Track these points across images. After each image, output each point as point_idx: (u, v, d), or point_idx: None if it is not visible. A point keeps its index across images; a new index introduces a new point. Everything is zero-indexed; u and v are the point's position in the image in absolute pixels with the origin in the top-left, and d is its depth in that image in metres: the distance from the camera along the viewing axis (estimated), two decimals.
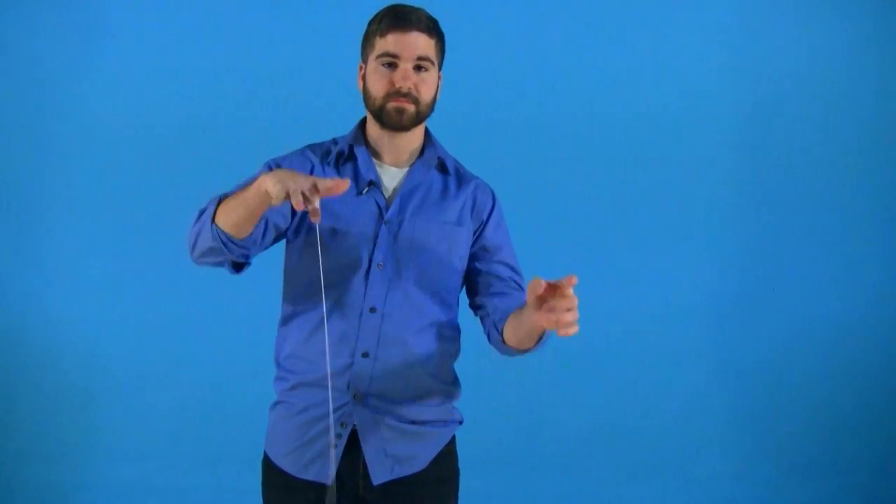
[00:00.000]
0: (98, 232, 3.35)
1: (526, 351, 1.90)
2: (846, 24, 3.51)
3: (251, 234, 1.76)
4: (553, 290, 1.59)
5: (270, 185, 1.60)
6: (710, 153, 3.47)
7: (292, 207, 1.84)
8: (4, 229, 3.35)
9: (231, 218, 1.72)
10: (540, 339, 1.84)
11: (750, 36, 3.49)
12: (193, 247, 1.81)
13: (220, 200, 1.76)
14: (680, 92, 3.46)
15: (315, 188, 1.56)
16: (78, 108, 3.35)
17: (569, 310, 1.55)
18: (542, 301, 1.59)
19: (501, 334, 1.92)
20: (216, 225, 1.74)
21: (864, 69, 3.50)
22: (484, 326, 2.01)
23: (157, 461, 3.32)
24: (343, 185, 1.57)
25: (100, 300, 3.34)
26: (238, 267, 1.87)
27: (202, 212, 1.79)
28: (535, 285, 1.59)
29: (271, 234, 1.87)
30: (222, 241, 1.75)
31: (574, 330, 1.56)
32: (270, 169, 1.87)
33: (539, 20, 3.39)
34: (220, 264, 1.85)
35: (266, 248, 1.89)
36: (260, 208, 1.69)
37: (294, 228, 1.91)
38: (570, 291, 1.56)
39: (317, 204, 1.56)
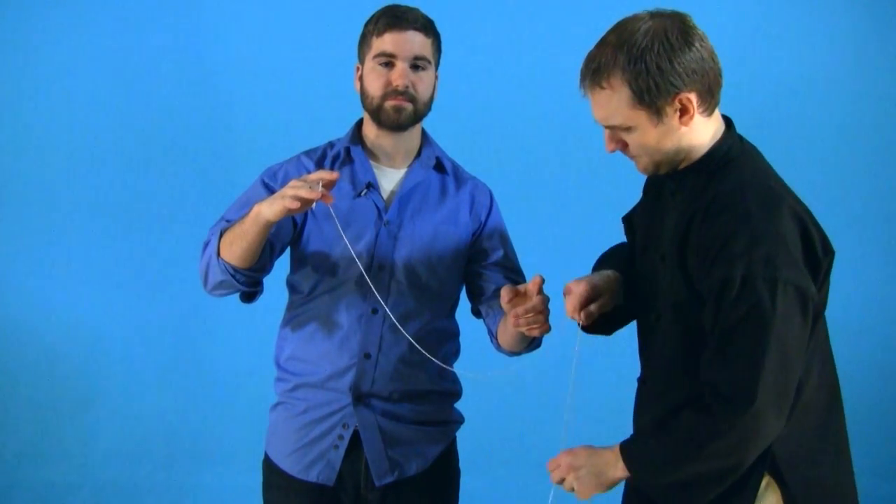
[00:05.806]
0: (98, 232, 3.35)
1: (521, 352, 1.91)
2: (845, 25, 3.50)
3: (258, 261, 1.79)
4: (524, 294, 1.61)
5: (266, 209, 1.65)
6: None
7: (293, 218, 1.87)
8: (4, 229, 3.35)
9: (235, 250, 1.75)
10: (533, 340, 1.84)
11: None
12: (205, 281, 1.84)
13: (222, 233, 1.79)
14: None
15: (306, 182, 1.62)
16: (77, 107, 3.34)
17: (538, 312, 1.57)
18: (515, 306, 1.62)
19: (497, 338, 1.92)
20: (222, 259, 1.76)
21: (865, 72, 3.48)
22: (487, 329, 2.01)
23: (156, 461, 3.32)
24: (328, 175, 1.62)
25: (100, 300, 3.33)
26: (249, 296, 1.89)
27: (206, 244, 1.82)
28: (503, 294, 1.63)
29: (279, 250, 1.90)
30: (230, 274, 1.77)
31: (538, 331, 1.59)
32: (265, 182, 1.90)
33: (534, 19, 3.37)
34: (233, 293, 1.89)
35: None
36: (260, 236, 1.72)
37: (298, 235, 1.92)
38: (536, 292, 1.58)
39: (320, 190, 1.61)
